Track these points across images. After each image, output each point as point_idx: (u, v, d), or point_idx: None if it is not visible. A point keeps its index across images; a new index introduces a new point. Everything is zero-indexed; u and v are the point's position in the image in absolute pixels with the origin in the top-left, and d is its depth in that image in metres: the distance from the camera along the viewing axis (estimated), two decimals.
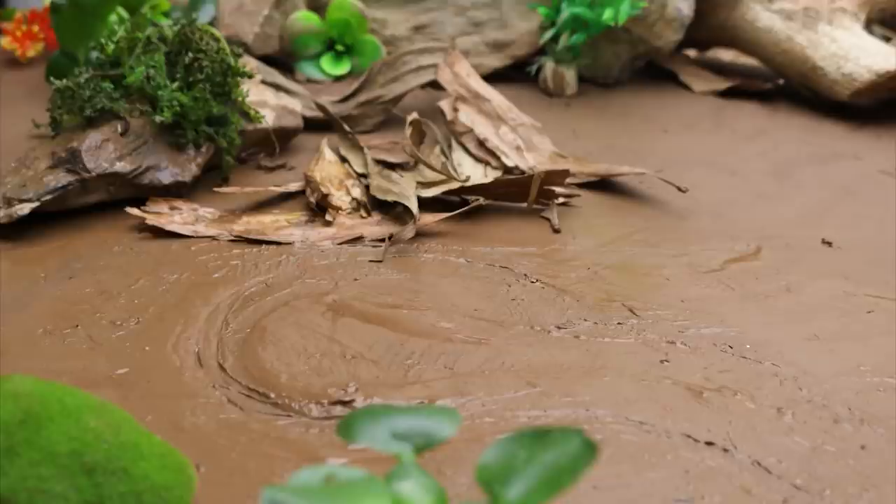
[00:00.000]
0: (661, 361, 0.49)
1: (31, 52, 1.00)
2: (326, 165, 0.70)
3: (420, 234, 0.63)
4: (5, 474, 0.33)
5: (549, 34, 0.94)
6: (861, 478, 0.41)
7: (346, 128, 0.74)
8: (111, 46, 0.69)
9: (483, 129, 0.76)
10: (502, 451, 0.30)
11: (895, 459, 0.42)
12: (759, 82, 0.97)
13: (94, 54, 0.75)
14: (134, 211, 0.63)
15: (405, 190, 0.65)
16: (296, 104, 0.78)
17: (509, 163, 0.73)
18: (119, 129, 0.66)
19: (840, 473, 0.41)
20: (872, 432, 0.44)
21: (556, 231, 0.64)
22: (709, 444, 0.43)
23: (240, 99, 0.71)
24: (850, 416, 0.45)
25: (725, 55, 1.08)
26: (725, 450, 0.42)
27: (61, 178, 0.63)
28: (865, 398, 0.47)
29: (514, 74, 0.95)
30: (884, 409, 0.46)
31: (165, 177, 0.66)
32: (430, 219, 0.64)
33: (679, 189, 0.68)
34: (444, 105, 0.78)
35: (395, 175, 0.68)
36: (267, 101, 0.75)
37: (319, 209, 0.65)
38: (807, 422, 0.45)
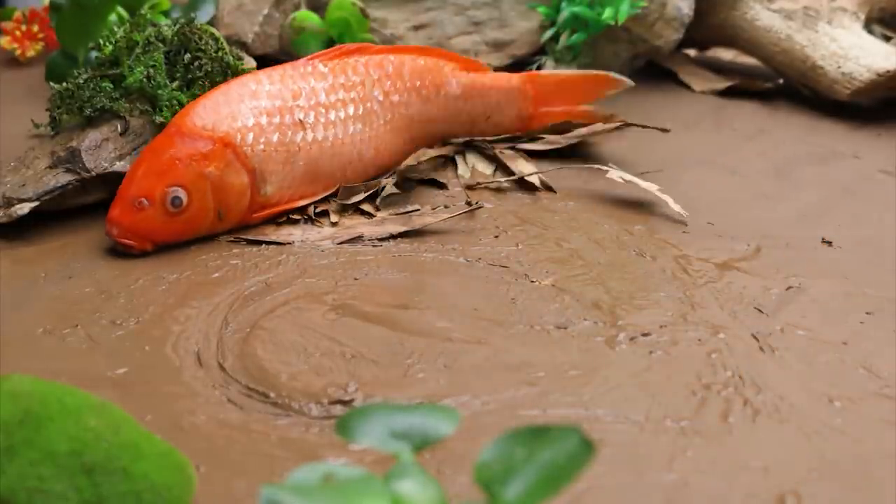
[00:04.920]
0: (662, 360, 0.49)
1: (30, 52, 0.99)
2: None
3: (420, 234, 0.63)
4: (4, 474, 0.33)
5: (548, 33, 0.94)
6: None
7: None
8: (109, 47, 0.69)
9: None
10: (500, 450, 0.30)
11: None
12: (759, 82, 0.97)
13: (94, 54, 0.74)
14: None
15: None
16: None
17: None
18: (119, 129, 0.66)
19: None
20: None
21: (549, 189, 0.69)
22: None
23: None
24: None
25: (725, 54, 1.08)
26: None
27: (61, 178, 0.63)
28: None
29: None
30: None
31: None
32: (430, 219, 0.64)
33: (662, 130, 0.73)
34: None
35: None
36: None
37: (315, 213, 0.65)
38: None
